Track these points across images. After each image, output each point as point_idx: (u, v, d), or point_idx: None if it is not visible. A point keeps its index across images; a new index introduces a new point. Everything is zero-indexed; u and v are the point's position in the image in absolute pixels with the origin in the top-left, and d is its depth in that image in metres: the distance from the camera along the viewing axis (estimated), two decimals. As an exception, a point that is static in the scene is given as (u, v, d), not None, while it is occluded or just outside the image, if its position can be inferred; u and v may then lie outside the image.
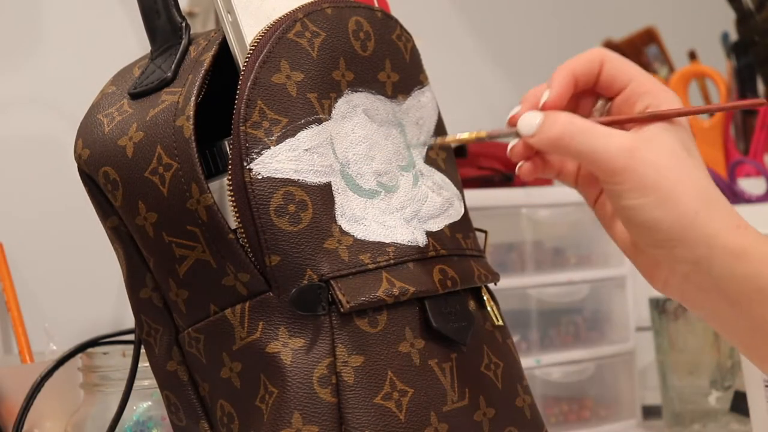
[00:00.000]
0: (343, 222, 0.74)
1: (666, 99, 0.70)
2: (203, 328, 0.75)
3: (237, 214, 0.72)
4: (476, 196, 1.18)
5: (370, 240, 0.75)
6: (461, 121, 1.32)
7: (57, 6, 1.28)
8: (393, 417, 0.73)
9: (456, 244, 0.80)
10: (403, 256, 0.76)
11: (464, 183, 0.87)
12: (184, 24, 0.78)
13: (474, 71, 1.66)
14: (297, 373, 0.72)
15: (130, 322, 0.82)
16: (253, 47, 0.74)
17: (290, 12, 0.76)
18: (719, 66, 1.60)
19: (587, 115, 0.73)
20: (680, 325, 1.23)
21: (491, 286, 0.84)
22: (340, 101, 0.76)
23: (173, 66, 0.76)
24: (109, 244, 0.79)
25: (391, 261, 0.75)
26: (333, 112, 0.76)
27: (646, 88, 0.71)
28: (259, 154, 0.72)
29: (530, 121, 0.70)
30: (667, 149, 0.68)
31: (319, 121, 0.75)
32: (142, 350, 0.80)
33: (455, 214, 0.81)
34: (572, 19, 1.77)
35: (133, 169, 0.75)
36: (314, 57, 0.75)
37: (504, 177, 1.31)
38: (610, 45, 1.61)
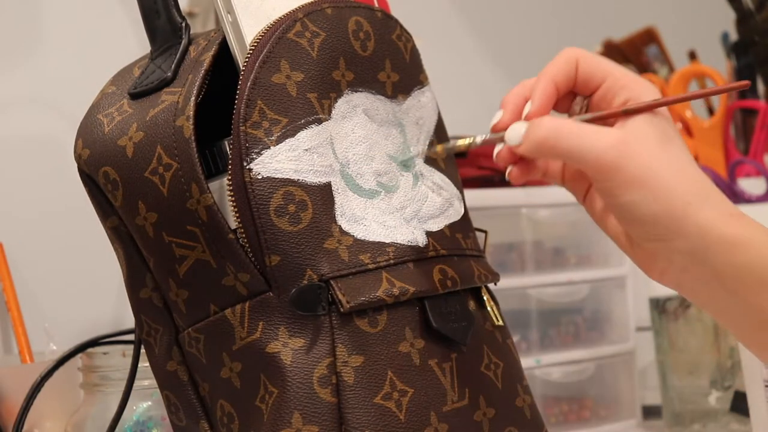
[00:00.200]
0: (343, 222, 0.74)
1: (643, 91, 0.70)
2: (203, 328, 0.75)
3: (237, 214, 0.72)
4: (476, 196, 1.18)
5: (370, 240, 0.75)
6: (461, 121, 1.32)
7: (57, 6, 1.28)
8: (393, 417, 0.73)
9: (456, 244, 0.80)
10: (403, 256, 0.76)
11: (464, 183, 0.87)
12: (184, 24, 0.78)
13: (474, 71, 1.66)
14: (297, 373, 0.72)
15: (130, 322, 0.82)
16: (253, 47, 0.74)
17: (290, 12, 0.76)
18: (719, 66, 1.60)
19: (567, 114, 0.74)
20: (680, 325, 1.23)
21: (491, 286, 0.84)
22: (340, 101, 0.76)
23: (173, 66, 0.76)
24: (109, 244, 0.79)
25: (391, 261, 0.75)
26: (333, 112, 0.76)
27: (622, 83, 0.71)
28: (259, 154, 0.72)
29: (517, 132, 0.71)
30: (653, 141, 0.69)
31: (319, 121, 0.75)
32: (142, 350, 0.80)
33: (455, 214, 0.81)
34: (572, 19, 1.77)
35: (133, 169, 0.75)
36: (314, 57, 0.75)
37: (504, 177, 1.31)
38: (610, 45, 1.61)
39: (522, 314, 1.27)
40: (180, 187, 0.73)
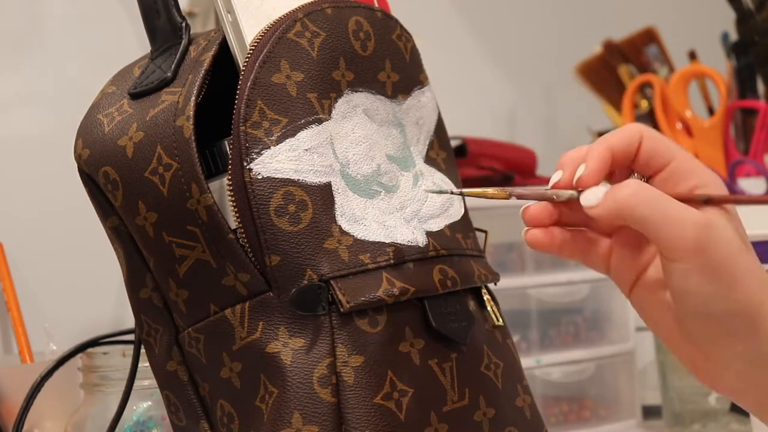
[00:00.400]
0: (343, 222, 0.74)
1: (712, 179, 0.65)
2: (203, 328, 0.75)
3: (237, 214, 0.72)
4: (476, 196, 1.18)
5: (370, 240, 0.75)
6: (461, 121, 1.32)
7: (57, 6, 1.28)
8: (393, 417, 0.73)
9: (456, 244, 0.80)
10: (403, 256, 0.76)
11: (464, 183, 0.87)
12: (184, 24, 0.78)
13: (474, 71, 1.66)
14: (297, 373, 0.72)
15: (130, 322, 0.82)
16: (253, 47, 0.74)
17: (290, 12, 0.76)
18: (719, 66, 1.60)
19: None
20: (680, 325, 1.23)
21: (491, 286, 0.84)
22: (340, 101, 0.76)
23: (173, 66, 0.76)
24: (109, 244, 0.79)
25: (391, 261, 0.75)
26: (333, 112, 0.76)
27: (689, 167, 0.66)
28: (259, 154, 0.72)
29: (595, 193, 0.65)
30: (733, 234, 0.64)
31: (319, 121, 0.75)
32: (142, 350, 0.80)
33: (455, 214, 0.81)
34: (572, 19, 1.77)
35: (133, 169, 0.75)
36: (314, 57, 0.75)
37: (504, 177, 1.31)
38: (610, 45, 1.61)
39: (522, 314, 1.27)
40: (180, 187, 0.73)
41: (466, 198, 0.84)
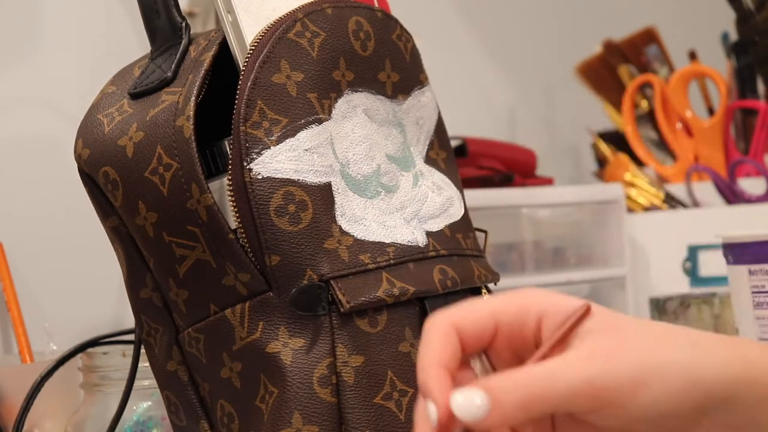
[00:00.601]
0: (343, 222, 0.74)
1: (559, 307, 0.55)
2: (203, 328, 0.75)
3: (237, 214, 0.72)
4: (476, 196, 1.18)
5: (370, 240, 0.75)
6: (461, 121, 1.32)
7: (57, 6, 1.28)
8: (393, 417, 0.73)
9: (456, 244, 0.80)
10: (403, 256, 0.76)
11: (464, 183, 0.87)
12: (184, 24, 0.78)
13: (474, 71, 1.66)
14: (297, 373, 0.72)
15: (130, 322, 0.82)
16: (253, 47, 0.74)
17: (290, 12, 0.76)
18: (719, 66, 1.60)
19: (470, 380, 0.55)
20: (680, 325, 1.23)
21: (491, 286, 0.84)
22: (340, 101, 0.76)
23: (173, 66, 0.76)
24: (109, 244, 0.79)
25: (391, 261, 0.75)
26: (333, 112, 0.76)
27: (536, 309, 0.55)
28: (259, 154, 0.72)
29: (471, 402, 0.51)
30: (624, 327, 0.55)
31: (319, 121, 0.75)
32: (142, 350, 0.80)
33: (455, 214, 0.81)
34: (572, 19, 1.77)
35: (133, 169, 0.75)
36: (314, 57, 0.75)
37: (504, 177, 1.31)
38: (610, 45, 1.61)
39: (522, 314, 1.26)
40: (180, 187, 0.73)
41: (466, 198, 0.84)
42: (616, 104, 1.60)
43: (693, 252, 1.30)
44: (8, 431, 1.02)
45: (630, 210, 1.41)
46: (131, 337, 0.91)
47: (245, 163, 0.72)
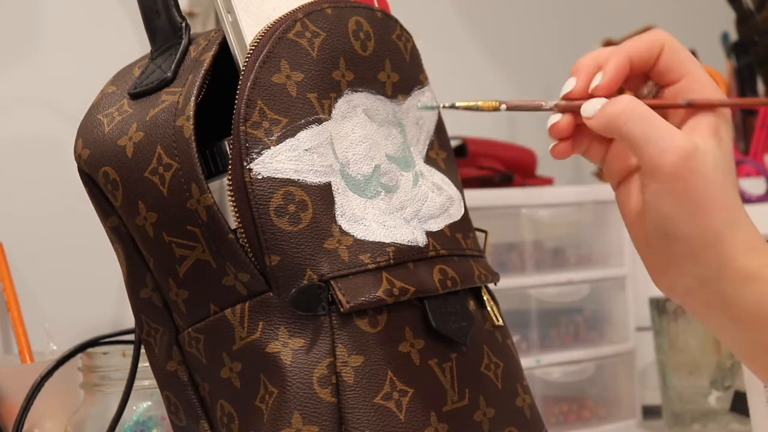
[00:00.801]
0: (343, 222, 0.74)
1: (717, 100, 0.69)
2: (203, 328, 0.75)
3: (237, 214, 0.72)
4: (476, 196, 1.18)
5: (370, 240, 0.75)
6: (461, 121, 1.32)
7: (57, 6, 1.28)
8: (393, 417, 0.73)
9: (456, 244, 0.80)
10: (403, 256, 0.76)
11: (464, 183, 0.87)
12: (184, 24, 0.78)
13: (474, 71, 1.66)
14: (297, 373, 0.72)
15: (130, 322, 0.82)
16: (253, 47, 0.74)
17: (290, 12, 0.76)
18: (719, 66, 1.60)
19: (633, 93, 0.72)
20: (680, 325, 1.23)
21: (491, 286, 0.84)
22: (340, 101, 0.76)
23: (173, 66, 0.76)
24: (109, 244, 0.79)
25: (391, 261, 0.75)
26: (333, 112, 0.76)
27: (698, 86, 0.69)
28: (259, 154, 0.72)
29: (593, 105, 0.69)
30: (716, 165, 0.67)
31: (319, 121, 0.75)
32: (142, 350, 0.80)
33: (455, 214, 0.81)
34: (572, 19, 1.77)
35: (133, 169, 0.75)
36: (314, 57, 0.75)
37: (504, 177, 1.31)
38: (610, 45, 1.61)
39: (522, 314, 1.27)
40: (180, 187, 0.73)
41: (466, 198, 0.84)
42: (616, 104, 1.59)
43: (693, 252, 1.29)
44: (8, 431, 1.02)
45: (630, 210, 1.41)
46: (131, 337, 0.91)
47: (245, 163, 0.72)
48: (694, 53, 1.59)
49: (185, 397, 0.77)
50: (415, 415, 0.73)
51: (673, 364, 1.24)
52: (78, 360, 0.97)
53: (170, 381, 0.78)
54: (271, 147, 0.73)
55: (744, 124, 1.58)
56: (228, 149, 0.74)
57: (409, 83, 0.81)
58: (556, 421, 1.28)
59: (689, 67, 0.70)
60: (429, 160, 0.82)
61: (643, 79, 0.72)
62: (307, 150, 0.74)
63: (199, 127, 0.73)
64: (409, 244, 0.76)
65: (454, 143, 1.11)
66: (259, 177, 0.72)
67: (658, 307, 1.25)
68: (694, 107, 0.68)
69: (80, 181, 0.78)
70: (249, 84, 0.73)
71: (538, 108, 0.71)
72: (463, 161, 1.29)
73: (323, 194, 0.74)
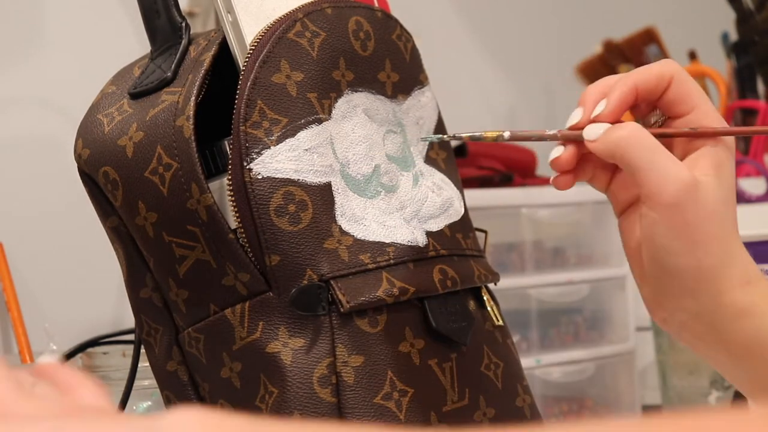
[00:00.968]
0: (343, 222, 0.74)
1: (722, 141, 0.68)
2: (203, 328, 0.75)
3: (237, 214, 0.72)
4: (476, 196, 1.18)
5: (370, 240, 0.75)
6: (461, 121, 1.32)
7: (57, 6, 1.28)
8: (393, 417, 0.73)
9: (456, 244, 0.80)
10: (403, 256, 0.76)
11: (464, 183, 0.87)
12: (184, 24, 0.78)
13: (474, 71, 1.66)
14: (297, 373, 0.72)
15: (130, 322, 0.82)
16: (253, 47, 0.74)
17: (290, 12, 0.76)
18: (719, 66, 1.60)
19: (640, 121, 0.71)
20: (680, 325, 1.23)
21: (491, 286, 0.84)
22: (340, 101, 0.76)
23: (173, 66, 0.76)
24: (109, 244, 0.79)
25: (391, 261, 0.75)
26: (333, 112, 0.76)
27: (708, 121, 0.69)
28: (259, 154, 0.72)
29: (596, 129, 0.68)
30: (715, 200, 0.66)
31: (319, 121, 0.75)
32: (142, 350, 0.80)
33: (455, 214, 0.81)
34: (572, 19, 1.77)
35: (133, 169, 0.75)
36: (314, 57, 0.75)
37: (504, 177, 1.31)
38: (610, 45, 1.61)
39: (522, 314, 1.27)
40: (180, 187, 0.73)
41: (466, 198, 0.84)
42: (616, 104, 1.59)
43: (693, 252, 1.29)
44: (8, 431, 1.02)
45: (630, 210, 1.41)
46: (131, 337, 0.91)
47: (245, 163, 0.72)
48: (693, 53, 1.60)
49: (185, 397, 0.77)
50: (415, 415, 0.73)
51: (674, 364, 1.24)
52: (78, 360, 0.97)
53: (170, 381, 0.78)
54: (271, 147, 0.73)
55: (744, 124, 1.58)
56: (228, 149, 0.74)
57: (409, 83, 0.81)
58: (556, 421, 1.28)
59: (697, 100, 0.69)
60: (429, 160, 0.82)
61: (650, 108, 0.71)
62: (307, 150, 0.74)
63: (199, 127, 0.73)
64: (409, 244, 0.76)
65: (454, 143, 1.11)
66: (259, 177, 0.72)
67: (658, 307, 1.25)
68: (697, 135, 0.68)
69: (80, 181, 0.78)
70: (249, 84, 0.73)
71: (541, 137, 0.70)
72: (463, 161, 1.29)
73: (323, 194, 0.74)
